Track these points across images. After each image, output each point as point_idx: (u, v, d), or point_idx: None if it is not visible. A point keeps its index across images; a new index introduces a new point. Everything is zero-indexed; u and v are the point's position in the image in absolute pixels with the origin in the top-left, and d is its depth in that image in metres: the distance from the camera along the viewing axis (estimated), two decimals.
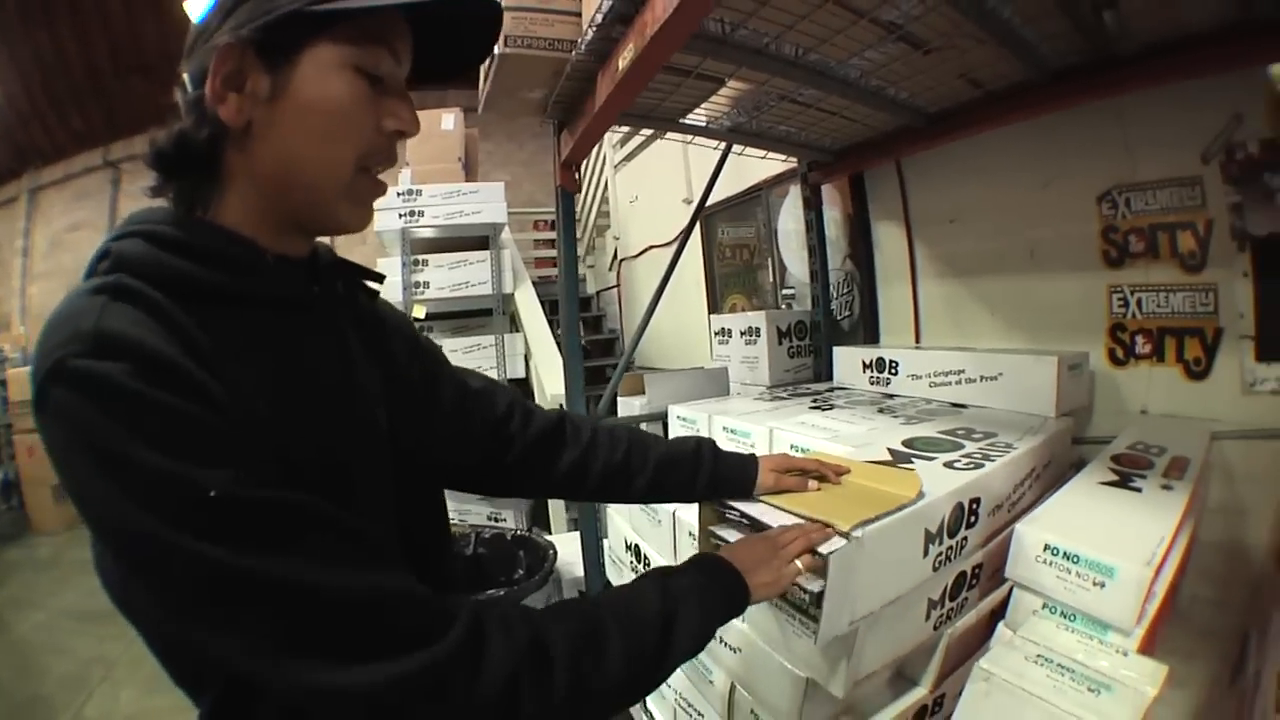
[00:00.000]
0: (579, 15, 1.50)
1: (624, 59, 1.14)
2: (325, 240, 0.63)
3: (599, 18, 1.22)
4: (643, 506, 1.31)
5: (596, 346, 4.92)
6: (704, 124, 1.68)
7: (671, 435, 1.63)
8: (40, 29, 7.99)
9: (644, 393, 1.82)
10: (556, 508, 3.06)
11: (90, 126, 10.06)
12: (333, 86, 0.50)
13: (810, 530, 0.70)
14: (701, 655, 1.18)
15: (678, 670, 1.31)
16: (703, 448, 0.85)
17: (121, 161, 10.27)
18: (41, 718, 0.97)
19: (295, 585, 0.41)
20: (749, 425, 1.36)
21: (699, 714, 1.25)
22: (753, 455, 0.87)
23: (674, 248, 2.20)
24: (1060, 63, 1.21)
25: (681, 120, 1.65)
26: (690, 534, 1.15)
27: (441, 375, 0.75)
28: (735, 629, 1.05)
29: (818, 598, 0.69)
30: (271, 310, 0.52)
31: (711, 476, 0.83)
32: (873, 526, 0.72)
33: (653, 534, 1.31)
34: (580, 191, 2.03)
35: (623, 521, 1.50)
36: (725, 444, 1.38)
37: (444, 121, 4.12)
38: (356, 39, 0.51)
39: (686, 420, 1.58)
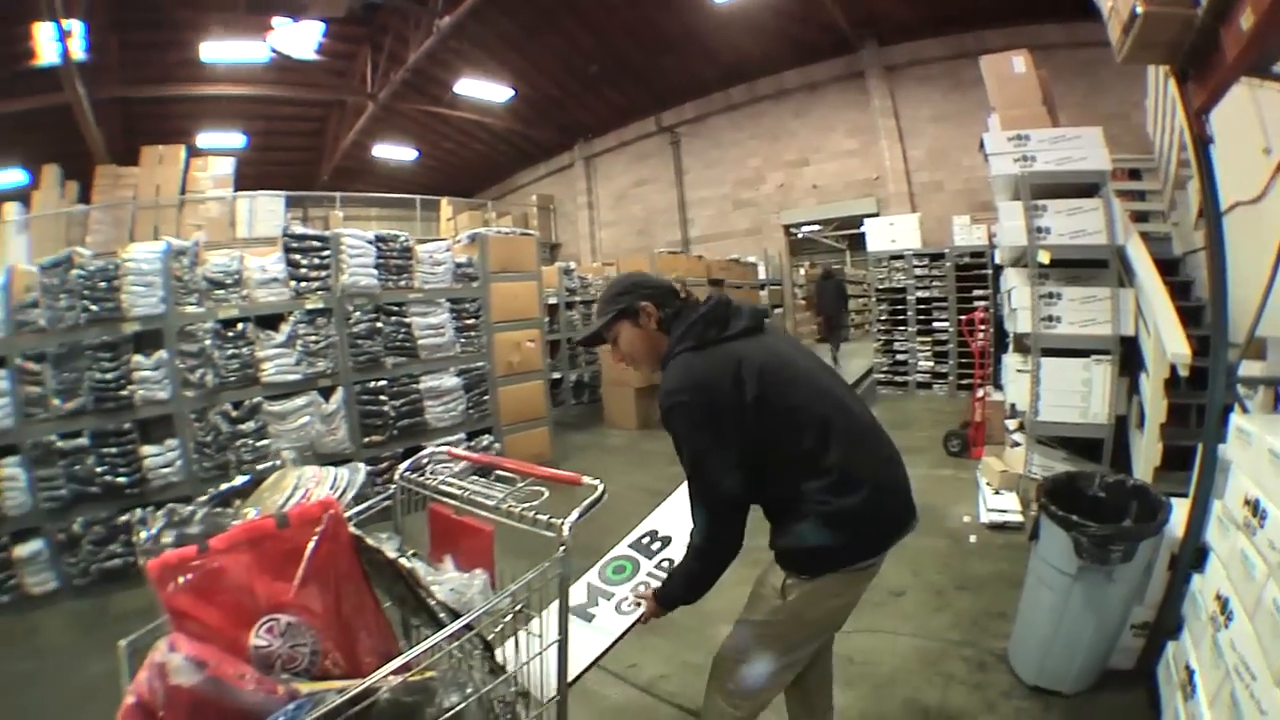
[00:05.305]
0: None
1: (1245, 20, 1.17)
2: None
3: None
4: (1273, 456, 1.35)
5: (1180, 317, 3.73)
6: None
7: None
8: (550, 33, 9.71)
9: (1264, 358, 1.78)
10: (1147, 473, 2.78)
11: (633, 101, 11.87)
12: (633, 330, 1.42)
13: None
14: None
15: (1247, 632, 1.31)
16: None
17: (677, 126, 11.86)
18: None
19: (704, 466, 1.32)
20: None
21: (1252, 677, 1.29)
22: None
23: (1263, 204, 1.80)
24: None
25: None
26: None
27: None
28: None
29: None
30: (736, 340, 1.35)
31: None
32: None
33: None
34: (1210, 141, 1.86)
35: (1245, 477, 1.48)
36: None
37: (1014, 65, 3.81)
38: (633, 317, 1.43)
39: None
